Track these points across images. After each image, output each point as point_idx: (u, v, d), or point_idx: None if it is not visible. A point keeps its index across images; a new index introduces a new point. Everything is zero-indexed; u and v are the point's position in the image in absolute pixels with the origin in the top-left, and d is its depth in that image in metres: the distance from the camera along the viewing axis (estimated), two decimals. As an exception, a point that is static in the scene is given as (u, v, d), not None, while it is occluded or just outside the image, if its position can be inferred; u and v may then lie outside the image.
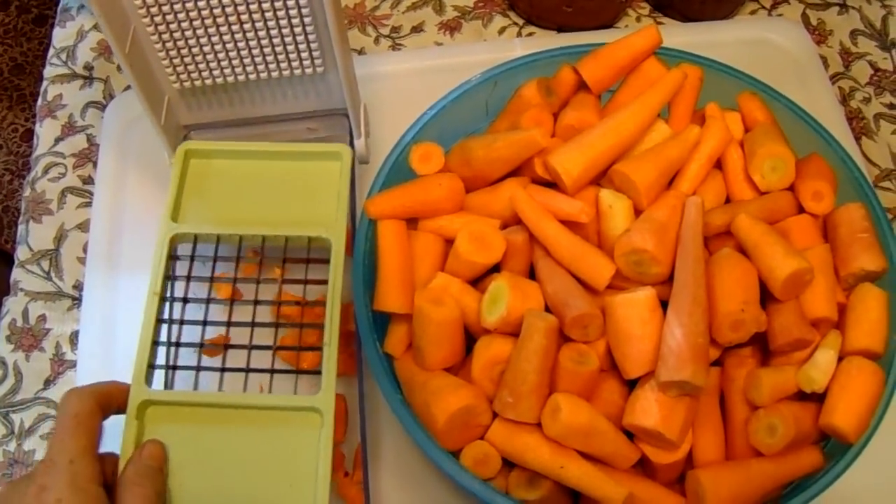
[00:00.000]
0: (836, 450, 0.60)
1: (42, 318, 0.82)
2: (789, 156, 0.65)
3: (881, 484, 0.70)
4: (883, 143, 0.86)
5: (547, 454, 0.58)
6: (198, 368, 0.68)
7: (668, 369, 0.56)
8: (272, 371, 0.68)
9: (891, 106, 0.89)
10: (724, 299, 0.58)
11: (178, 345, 0.69)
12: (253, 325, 0.69)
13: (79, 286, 0.83)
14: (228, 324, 0.70)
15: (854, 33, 0.93)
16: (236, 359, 0.67)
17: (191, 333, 0.69)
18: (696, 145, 0.66)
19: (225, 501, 0.62)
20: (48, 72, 0.93)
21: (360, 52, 0.92)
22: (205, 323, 0.70)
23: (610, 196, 0.63)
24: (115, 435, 0.61)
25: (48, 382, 0.79)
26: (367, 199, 0.66)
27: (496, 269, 0.64)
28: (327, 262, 0.66)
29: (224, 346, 0.69)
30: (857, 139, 0.86)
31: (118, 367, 0.75)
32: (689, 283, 0.58)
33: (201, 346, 0.69)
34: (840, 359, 0.61)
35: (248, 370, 0.67)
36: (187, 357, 0.69)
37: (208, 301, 0.70)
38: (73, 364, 0.79)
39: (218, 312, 0.71)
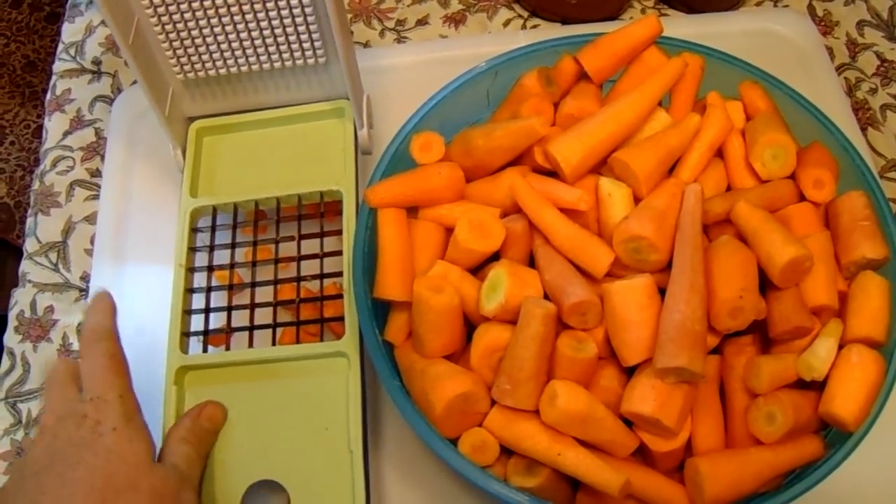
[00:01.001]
0: (836, 439, 0.60)
1: (50, 308, 0.82)
2: (790, 144, 0.65)
3: (884, 474, 0.69)
4: (889, 134, 0.85)
5: (544, 441, 0.57)
6: (228, 330, 0.72)
7: (664, 356, 0.56)
8: (298, 323, 0.71)
9: (897, 97, 0.88)
10: (723, 286, 0.58)
11: (208, 311, 0.73)
12: (276, 282, 0.73)
13: (86, 277, 0.83)
14: (253, 285, 0.74)
15: (860, 24, 0.93)
16: (264, 317, 0.73)
17: (218, 299, 0.74)
18: (696, 134, 0.65)
19: (267, 452, 0.67)
20: (57, 67, 0.94)
21: (366, 45, 0.92)
22: (230, 287, 0.74)
23: (609, 184, 0.63)
24: (149, 403, 0.64)
25: (55, 373, 0.79)
26: (367, 187, 0.66)
27: (496, 257, 0.64)
28: (341, 213, 0.72)
29: (251, 305, 0.73)
30: (864, 130, 0.85)
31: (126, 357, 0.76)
32: (687, 270, 0.58)
33: (229, 310, 0.73)
34: (841, 347, 0.60)
35: (275, 325, 0.72)
36: (217, 321, 0.74)
37: (232, 266, 0.74)
38: (80, 355, 0.79)
39: (242, 276, 0.77)
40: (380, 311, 0.66)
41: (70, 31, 0.96)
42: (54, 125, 0.91)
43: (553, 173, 0.66)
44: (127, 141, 0.87)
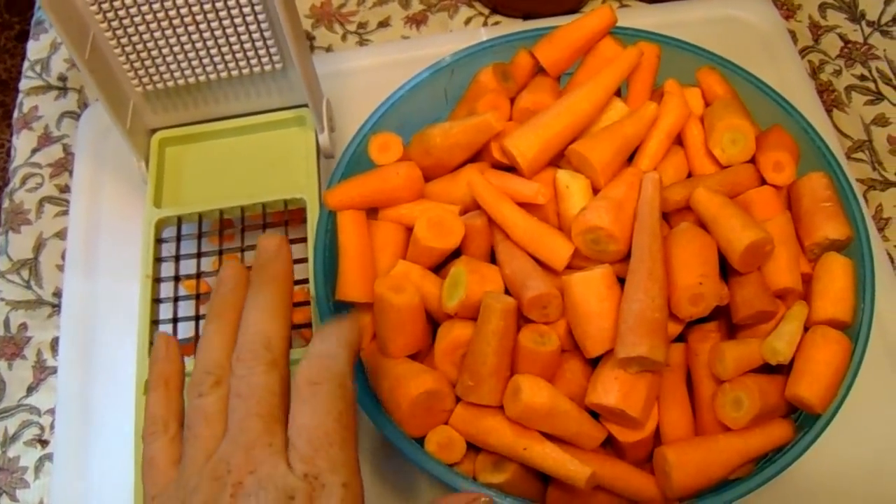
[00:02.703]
0: (806, 422, 0.59)
1: (23, 326, 0.81)
2: (748, 128, 0.63)
3: (856, 452, 0.68)
4: (855, 115, 0.84)
5: (510, 436, 0.56)
6: (196, 340, 0.71)
7: (625, 345, 0.54)
8: None
9: (862, 77, 0.86)
10: (682, 273, 0.57)
11: (175, 321, 0.72)
12: None
13: (58, 293, 0.82)
14: (196, 297, 0.72)
15: (823, 7, 0.91)
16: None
17: (186, 309, 0.73)
18: (654, 122, 0.64)
19: None
20: (23, 84, 0.93)
21: (328, 49, 0.91)
22: (198, 296, 0.72)
23: (567, 176, 0.62)
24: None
25: (31, 389, 0.78)
26: (325, 190, 0.64)
27: (458, 254, 0.63)
28: (305, 221, 0.71)
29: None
30: (829, 112, 0.84)
31: (99, 371, 0.76)
32: (646, 259, 0.56)
33: (197, 319, 0.71)
34: (806, 329, 0.59)
35: None
36: (186, 331, 0.72)
37: (198, 276, 0.73)
38: (55, 370, 0.78)
39: (210, 285, 0.74)
40: (343, 313, 0.64)
41: (35, 48, 0.95)
42: (22, 143, 0.89)
43: (512, 168, 0.65)
44: (94, 156, 0.86)
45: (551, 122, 0.62)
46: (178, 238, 0.75)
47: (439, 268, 0.64)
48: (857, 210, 0.63)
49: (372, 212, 0.66)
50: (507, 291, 0.60)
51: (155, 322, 0.71)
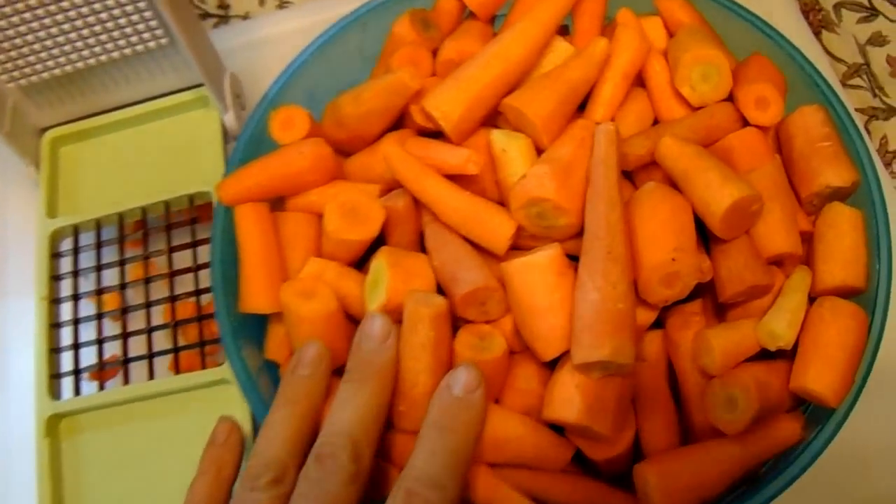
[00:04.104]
0: (818, 414, 0.45)
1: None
2: (722, 59, 0.49)
3: (887, 443, 0.54)
4: (847, 36, 0.69)
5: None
6: (101, 365, 0.58)
7: (581, 348, 0.41)
8: (175, 350, 0.58)
9: (852, -8, 0.71)
10: (650, 248, 0.43)
11: (77, 346, 0.59)
12: (148, 305, 0.59)
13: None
14: (123, 311, 0.60)
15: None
16: (139, 345, 0.59)
17: (87, 331, 0.60)
18: (606, 61, 0.50)
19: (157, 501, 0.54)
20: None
21: (245, 16, 0.76)
22: (99, 316, 0.60)
23: (502, 137, 0.47)
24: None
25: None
26: (218, 182, 0.50)
27: (383, 243, 0.49)
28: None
29: (122, 335, 0.59)
30: (817, 34, 0.69)
31: (14, 396, 0.63)
32: (602, 234, 0.42)
33: (100, 343, 0.59)
34: (811, 301, 0.45)
35: (150, 356, 0.58)
36: (88, 358, 0.59)
37: (99, 292, 0.60)
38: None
39: (112, 301, 0.62)
40: (258, 325, 0.51)
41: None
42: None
43: (440, 134, 0.50)
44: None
45: (478, 73, 0.48)
46: (76, 251, 0.61)
47: (364, 261, 0.50)
48: (861, 148, 0.49)
49: (279, 202, 0.52)
50: (438, 287, 0.46)
51: (54, 350, 0.58)
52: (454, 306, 0.44)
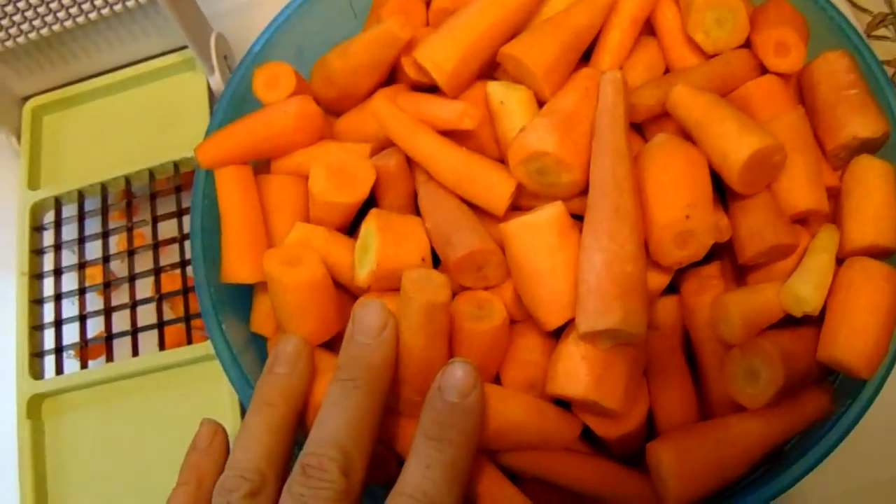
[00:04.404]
0: (848, 386, 0.40)
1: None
2: (737, 2, 0.44)
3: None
4: (872, -16, 0.64)
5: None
6: (84, 343, 0.55)
7: (587, 315, 0.36)
8: (160, 325, 0.54)
9: (877, -62, 0.66)
10: (661, 205, 0.38)
11: (59, 323, 0.56)
12: (132, 278, 0.56)
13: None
14: (106, 285, 0.56)
15: None
16: (123, 321, 0.55)
17: (70, 307, 0.57)
18: (612, 6, 0.45)
19: (149, 485, 0.51)
20: None
21: (236, -22, 0.72)
22: (82, 291, 0.56)
23: (500, 89, 0.43)
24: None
25: None
26: (197, 145, 0.46)
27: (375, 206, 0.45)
28: None
29: (105, 310, 0.55)
30: (839, -16, 0.64)
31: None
32: (608, 190, 0.38)
33: (82, 319, 0.56)
34: (839, 262, 0.40)
35: (134, 331, 0.54)
36: (71, 335, 0.56)
37: (81, 266, 0.57)
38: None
39: (95, 274, 0.58)
40: (244, 295, 0.47)
41: None
42: None
43: (436, 89, 0.46)
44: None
45: (473, 20, 0.44)
46: (59, 223, 0.58)
47: (356, 226, 0.46)
48: (892, 96, 0.45)
49: (265, 166, 0.48)
50: (432, 252, 0.42)
51: (36, 328, 0.55)
52: (448, 271, 0.40)
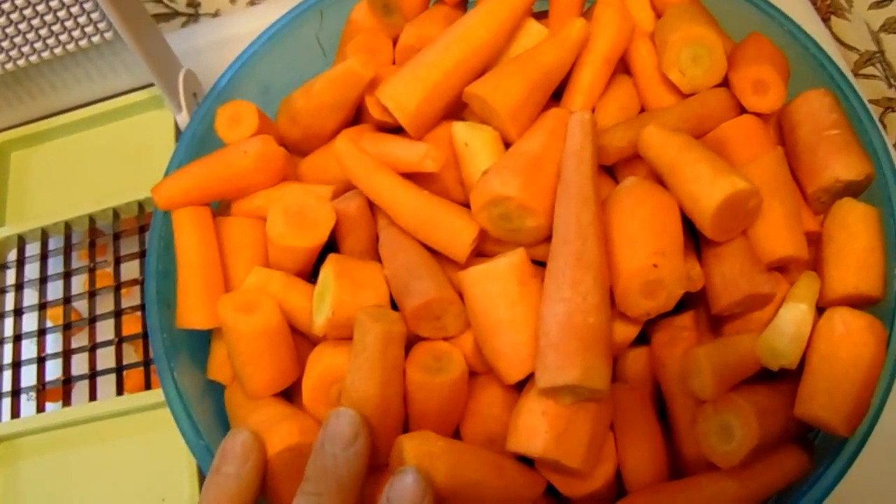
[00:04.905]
0: (829, 445, 0.38)
1: None
2: (713, 38, 0.42)
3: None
4: (859, 22, 0.61)
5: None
6: (42, 386, 0.53)
7: (546, 370, 0.34)
8: (119, 369, 0.52)
9: (865, -25, 0.64)
10: (628, 252, 0.36)
11: (18, 365, 0.54)
12: (92, 321, 0.53)
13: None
14: (66, 326, 0.54)
15: None
16: (82, 364, 0.53)
17: (29, 348, 0.54)
18: (583, 45, 0.43)
19: None
20: None
21: (215, 14, 0.71)
22: (41, 332, 0.54)
23: (464, 130, 0.41)
24: None
25: None
26: (154, 185, 0.44)
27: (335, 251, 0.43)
28: None
29: (64, 352, 0.53)
30: (825, 21, 0.62)
31: None
32: (573, 238, 0.36)
33: (41, 362, 0.53)
34: (820, 312, 0.38)
35: (92, 374, 0.52)
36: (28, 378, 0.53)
37: (42, 307, 0.55)
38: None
39: (55, 315, 0.56)
40: (201, 341, 0.45)
41: None
42: None
43: (402, 129, 0.44)
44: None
45: (438, 59, 0.42)
46: (20, 262, 0.56)
47: (315, 271, 0.44)
48: (875, 137, 0.42)
49: (226, 207, 0.46)
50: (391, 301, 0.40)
51: (-7, 370, 0.53)
52: (406, 321, 0.38)
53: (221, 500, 0.34)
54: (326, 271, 0.40)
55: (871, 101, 0.59)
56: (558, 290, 0.35)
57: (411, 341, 0.39)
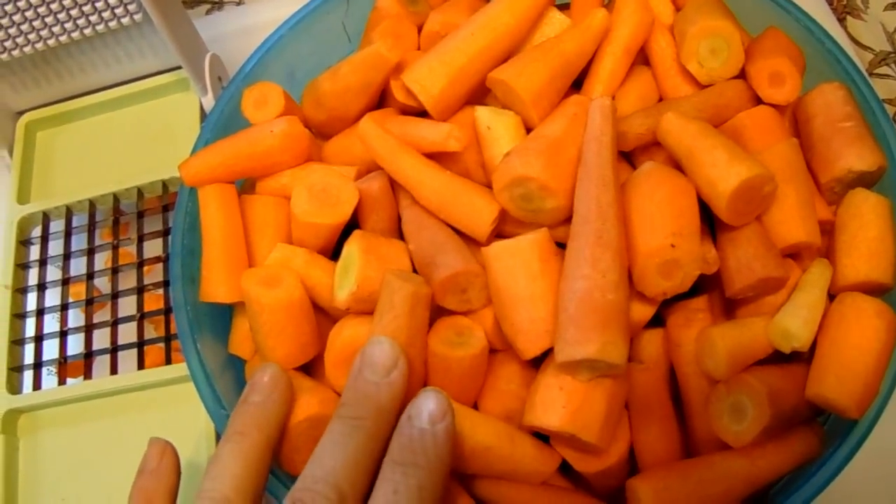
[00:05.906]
0: (838, 427, 0.38)
1: None
2: (733, 32, 0.43)
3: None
4: (874, 22, 0.62)
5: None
6: (63, 360, 0.54)
7: (565, 344, 0.35)
8: (141, 343, 0.52)
9: (880, -23, 0.65)
10: (646, 233, 0.37)
11: (40, 338, 0.55)
12: (114, 296, 0.54)
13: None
14: (89, 302, 0.55)
15: None
16: (103, 339, 0.54)
17: (52, 322, 0.55)
18: (604, 34, 0.44)
19: None
20: None
21: (239, 2, 0.72)
22: (64, 307, 0.55)
23: (487, 114, 0.42)
24: None
25: None
26: (182, 161, 0.45)
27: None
28: None
29: (86, 327, 0.54)
30: (841, 21, 0.63)
31: None
32: (592, 217, 0.37)
33: (62, 336, 0.54)
34: (831, 298, 0.39)
35: (114, 349, 0.53)
36: (50, 351, 0.54)
37: (65, 282, 0.56)
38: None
39: (78, 291, 0.57)
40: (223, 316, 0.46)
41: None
42: None
43: (425, 114, 0.45)
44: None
45: (463, 44, 0.43)
46: (45, 238, 0.57)
47: (338, 250, 0.45)
48: (888, 129, 0.43)
49: (251, 186, 0.47)
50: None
51: (17, 342, 0.54)
52: (434, 293, 0.39)
53: (247, 425, 0.35)
54: (351, 246, 0.41)
55: (885, 100, 0.59)
56: (578, 267, 0.36)
57: (433, 316, 0.40)
